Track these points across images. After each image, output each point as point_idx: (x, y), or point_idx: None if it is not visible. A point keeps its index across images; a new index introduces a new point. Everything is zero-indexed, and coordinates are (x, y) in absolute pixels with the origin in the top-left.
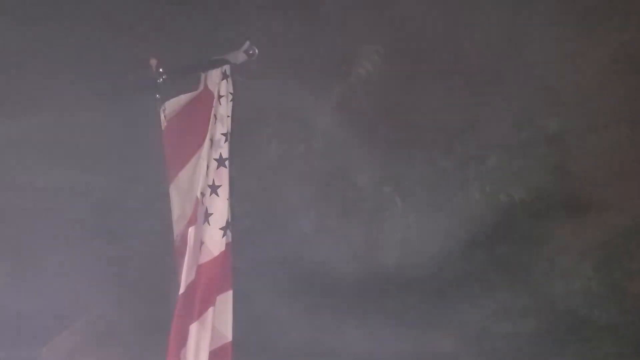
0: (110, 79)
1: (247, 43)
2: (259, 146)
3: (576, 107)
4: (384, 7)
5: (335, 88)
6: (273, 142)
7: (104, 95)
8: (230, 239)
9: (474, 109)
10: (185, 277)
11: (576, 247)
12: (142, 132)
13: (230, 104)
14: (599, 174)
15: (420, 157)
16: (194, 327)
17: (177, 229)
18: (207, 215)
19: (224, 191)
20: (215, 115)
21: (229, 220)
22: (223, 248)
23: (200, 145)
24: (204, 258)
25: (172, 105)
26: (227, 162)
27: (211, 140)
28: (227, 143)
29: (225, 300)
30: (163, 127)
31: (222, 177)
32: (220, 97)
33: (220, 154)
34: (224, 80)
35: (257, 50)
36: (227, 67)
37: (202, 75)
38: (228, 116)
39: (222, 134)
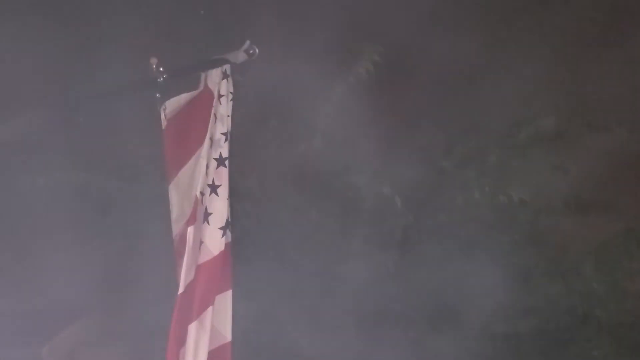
0: (110, 78)
1: (248, 42)
2: (259, 146)
3: (576, 107)
4: (385, 8)
5: (335, 88)
6: (273, 142)
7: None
8: (229, 239)
9: (473, 108)
10: (184, 277)
11: (576, 247)
12: (142, 131)
13: (231, 103)
14: (599, 174)
15: (420, 157)
16: (193, 327)
17: (176, 229)
18: (206, 214)
19: (223, 191)
20: (215, 115)
21: (229, 220)
22: (222, 248)
23: (200, 144)
24: (204, 258)
25: (173, 104)
26: (227, 162)
27: (211, 139)
28: (227, 142)
29: (225, 300)
30: (163, 127)
31: (222, 176)
32: (220, 96)
33: (220, 153)
34: (224, 80)
35: (257, 50)
36: (227, 67)
37: (203, 75)
38: (228, 116)
39: (222, 133)
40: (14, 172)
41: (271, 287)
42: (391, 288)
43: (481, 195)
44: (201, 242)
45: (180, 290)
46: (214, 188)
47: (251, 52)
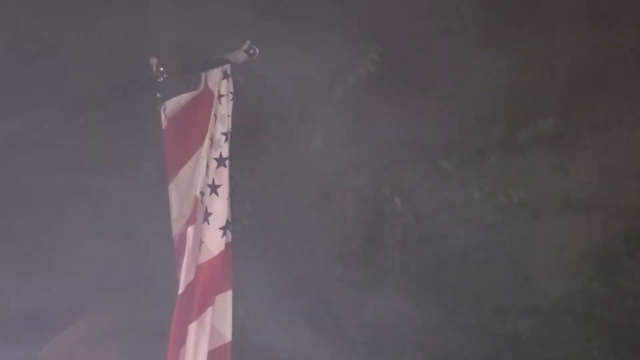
0: (110, 78)
1: (248, 42)
2: (259, 146)
3: (576, 107)
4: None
5: (335, 88)
6: (273, 142)
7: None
8: (230, 239)
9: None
10: (184, 277)
11: (576, 247)
12: (142, 131)
13: (231, 103)
14: (599, 174)
15: (420, 157)
16: (193, 327)
17: (176, 229)
18: (206, 214)
19: (223, 191)
20: (215, 115)
21: (229, 220)
22: (222, 248)
23: (200, 144)
24: (204, 258)
25: (173, 104)
26: (227, 162)
27: (211, 139)
28: (227, 142)
29: (225, 300)
30: (163, 127)
31: (222, 176)
32: (220, 96)
33: (221, 153)
34: (225, 80)
35: (257, 50)
36: (227, 67)
37: (203, 75)
38: (228, 115)
39: (222, 133)
40: (14, 172)
41: (271, 287)
42: (391, 288)
43: (481, 195)
44: (201, 242)
45: (180, 290)
46: (214, 188)
47: (251, 52)
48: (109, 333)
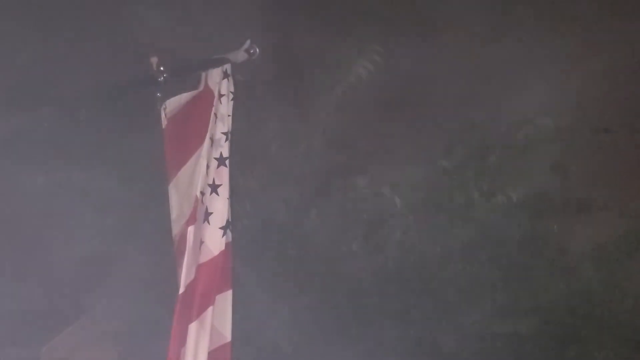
0: (110, 77)
1: (248, 42)
2: (259, 146)
3: (576, 107)
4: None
5: (335, 88)
6: (273, 141)
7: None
8: (230, 239)
9: (474, 108)
10: (184, 277)
11: (576, 247)
12: (142, 131)
13: (231, 103)
14: (599, 174)
15: (420, 157)
16: (193, 327)
17: (176, 229)
18: (207, 214)
19: (224, 190)
20: (215, 114)
21: (229, 220)
22: (223, 247)
23: (200, 144)
24: (204, 257)
25: (173, 103)
26: (227, 162)
27: (211, 139)
28: (227, 142)
29: (225, 300)
30: (163, 126)
31: (223, 176)
32: (221, 96)
33: (221, 153)
34: (225, 79)
35: (258, 49)
36: (227, 66)
37: (203, 74)
38: (229, 115)
39: (222, 133)
40: (14, 172)
41: (271, 287)
42: (391, 288)
43: (481, 195)
44: (201, 242)
45: (181, 290)
46: (214, 188)
47: (252, 51)
48: (109, 333)
